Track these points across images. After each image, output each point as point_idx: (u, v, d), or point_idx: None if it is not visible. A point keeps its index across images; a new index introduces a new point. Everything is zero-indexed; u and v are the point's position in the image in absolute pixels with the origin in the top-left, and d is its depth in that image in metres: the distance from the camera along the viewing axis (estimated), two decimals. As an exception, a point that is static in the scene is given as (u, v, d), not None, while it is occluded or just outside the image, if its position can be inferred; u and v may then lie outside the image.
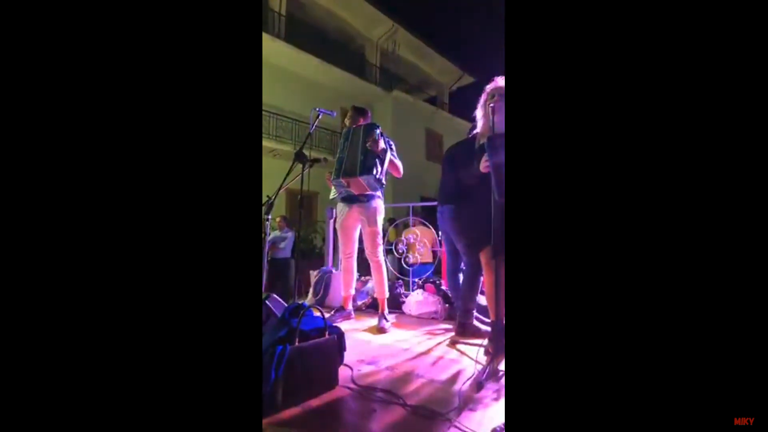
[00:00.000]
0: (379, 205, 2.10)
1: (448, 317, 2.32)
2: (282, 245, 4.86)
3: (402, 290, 2.68)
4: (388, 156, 2.01)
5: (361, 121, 2.17)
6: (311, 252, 7.05)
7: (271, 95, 8.47)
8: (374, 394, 1.23)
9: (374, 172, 1.92)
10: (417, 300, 2.42)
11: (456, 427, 1.04)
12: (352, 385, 1.29)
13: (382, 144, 1.96)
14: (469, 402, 1.20)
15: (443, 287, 2.47)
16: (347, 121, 2.16)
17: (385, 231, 2.44)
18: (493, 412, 1.13)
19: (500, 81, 1.79)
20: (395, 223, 3.59)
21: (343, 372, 1.36)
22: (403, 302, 2.53)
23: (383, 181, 2.01)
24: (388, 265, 2.60)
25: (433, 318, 2.34)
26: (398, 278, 2.84)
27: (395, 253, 2.91)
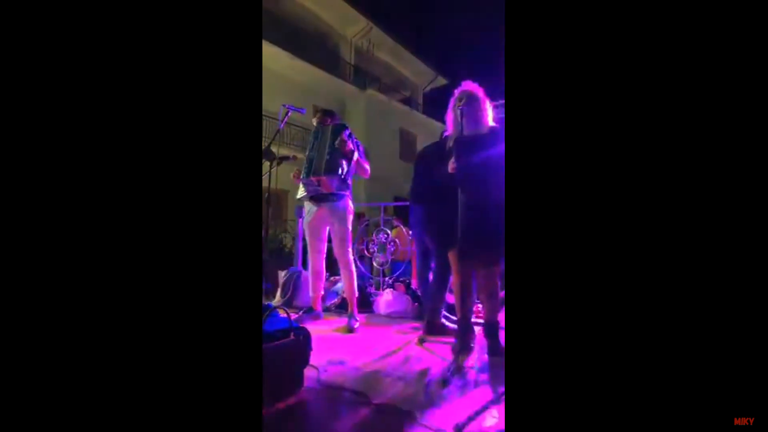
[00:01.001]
0: (348, 204, 2.09)
1: (418, 316, 2.35)
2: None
3: (372, 290, 2.68)
4: (355, 156, 2.02)
5: (329, 122, 2.15)
6: (280, 252, 6.91)
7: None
8: (340, 394, 1.22)
9: (339, 171, 1.92)
10: (386, 300, 2.43)
11: (421, 424, 1.05)
12: (317, 386, 1.27)
13: (350, 145, 1.96)
14: (434, 399, 1.22)
15: (413, 287, 2.50)
16: (314, 121, 2.14)
17: (355, 230, 2.43)
18: (458, 408, 1.15)
19: (468, 85, 1.84)
20: (366, 222, 3.60)
21: (309, 372, 1.34)
22: (374, 302, 2.53)
23: (349, 182, 2.01)
24: (359, 264, 2.59)
25: (401, 317, 2.36)
26: (369, 278, 2.84)
27: (366, 253, 2.91)
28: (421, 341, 1.88)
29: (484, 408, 1.12)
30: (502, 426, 1.06)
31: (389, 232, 2.86)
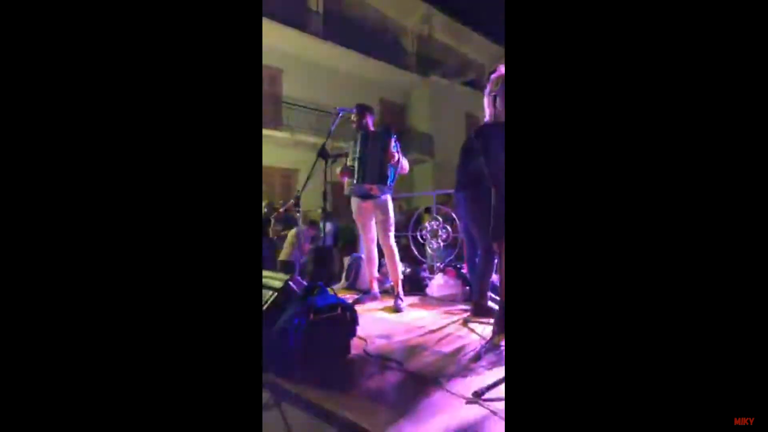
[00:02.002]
0: (388, 197, 2.27)
1: (467, 299, 2.44)
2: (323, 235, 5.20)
3: (426, 274, 2.82)
4: (401, 163, 2.21)
5: (369, 120, 2.33)
6: (354, 241, 7.36)
7: (314, 92, 8.85)
8: (380, 362, 1.42)
9: (388, 181, 2.18)
10: (438, 283, 2.56)
11: (445, 389, 1.20)
12: (362, 354, 1.48)
13: (396, 155, 2.16)
14: (463, 370, 1.34)
15: (463, 271, 2.58)
16: (354, 118, 2.33)
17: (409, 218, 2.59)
18: (482, 379, 1.26)
19: (504, 69, 1.84)
20: (419, 210, 3.71)
21: (357, 343, 1.56)
22: (427, 285, 2.67)
23: (392, 184, 2.23)
24: (414, 250, 2.75)
25: (453, 300, 2.47)
26: (422, 263, 2.98)
27: (420, 239, 3.05)
28: (466, 322, 1.98)
29: (502, 380, 1.21)
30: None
31: (440, 218, 2.96)
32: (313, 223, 4.79)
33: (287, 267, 4.10)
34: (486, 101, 1.87)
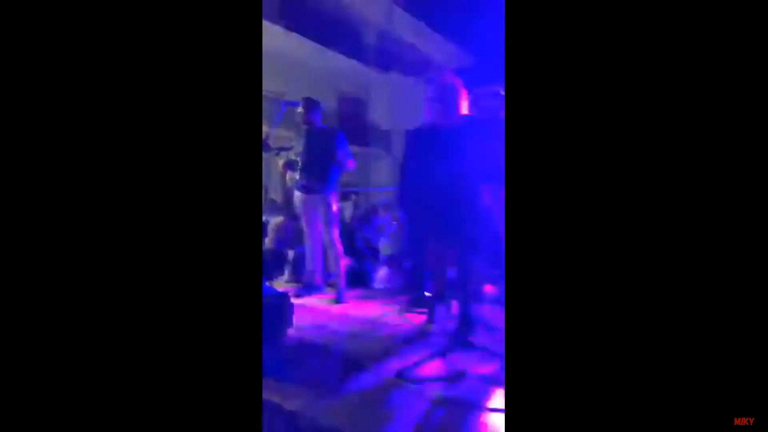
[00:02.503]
0: (333, 192, 2.33)
1: (409, 291, 2.55)
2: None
3: (371, 267, 2.91)
4: (345, 160, 2.29)
5: (316, 114, 2.36)
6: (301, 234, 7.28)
7: (266, 82, 8.56)
8: (310, 349, 1.48)
9: (332, 178, 2.28)
10: (381, 276, 2.66)
11: (370, 371, 1.29)
12: (296, 343, 1.54)
13: (341, 154, 2.26)
14: (389, 355, 1.45)
15: (406, 264, 2.69)
16: (300, 110, 2.34)
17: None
18: (406, 361, 1.36)
19: (443, 74, 1.96)
20: (370, 205, 3.81)
21: (292, 332, 1.60)
22: (370, 278, 2.76)
23: (336, 181, 2.34)
24: (359, 244, 2.82)
25: (394, 292, 2.58)
26: (368, 256, 3.07)
27: (365, 233, 3.13)
28: (401, 312, 2.09)
29: (424, 360, 1.32)
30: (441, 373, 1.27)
31: (386, 213, 3.06)
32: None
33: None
34: (425, 105, 1.97)
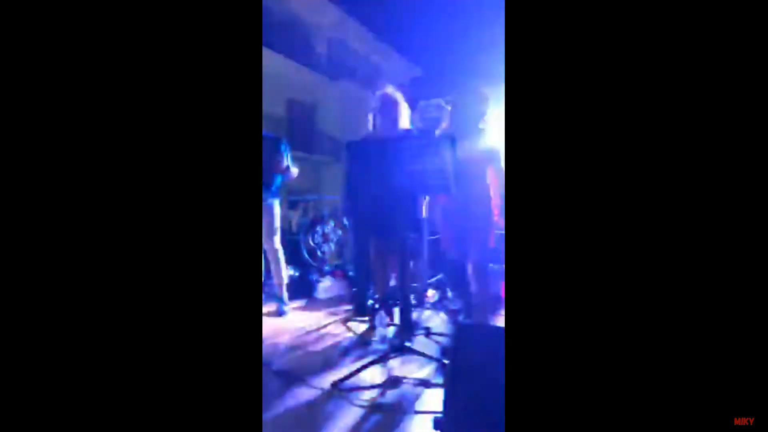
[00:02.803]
0: (275, 202, 2.29)
1: (354, 300, 2.57)
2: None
3: (316, 277, 2.89)
4: (290, 171, 2.27)
5: None
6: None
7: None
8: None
9: (274, 187, 2.25)
10: (325, 286, 2.65)
11: (309, 384, 1.28)
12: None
13: (284, 163, 2.22)
14: (329, 365, 1.45)
15: (351, 273, 2.71)
16: None
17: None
18: (343, 372, 1.37)
19: (386, 89, 2.03)
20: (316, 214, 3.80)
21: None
22: (315, 288, 2.74)
23: (278, 189, 2.31)
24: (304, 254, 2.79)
25: (339, 302, 2.58)
26: (312, 266, 3.05)
27: (311, 242, 3.11)
28: (346, 321, 2.10)
29: (360, 369, 1.35)
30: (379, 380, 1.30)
31: (331, 222, 3.07)
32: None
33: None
34: (370, 116, 2.03)
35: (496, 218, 1.86)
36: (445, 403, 0.91)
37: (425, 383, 1.32)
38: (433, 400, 1.18)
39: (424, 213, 2.29)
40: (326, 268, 2.90)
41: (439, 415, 0.91)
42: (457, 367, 0.95)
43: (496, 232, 1.87)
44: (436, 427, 0.89)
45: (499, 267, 3.05)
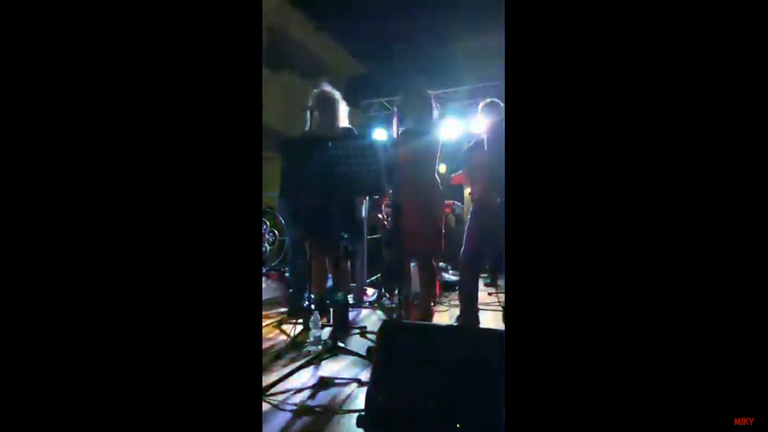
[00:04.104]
0: None
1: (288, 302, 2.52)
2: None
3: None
4: None
5: None
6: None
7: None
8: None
9: None
10: (261, 287, 2.56)
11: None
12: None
13: None
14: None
15: (287, 275, 2.65)
16: None
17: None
18: (273, 377, 1.35)
19: (324, 87, 2.01)
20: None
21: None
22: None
23: None
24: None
25: (274, 303, 2.51)
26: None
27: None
28: (280, 323, 2.05)
29: (291, 373, 1.33)
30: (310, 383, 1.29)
31: (267, 222, 2.97)
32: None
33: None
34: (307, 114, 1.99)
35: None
36: (368, 400, 0.93)
37: (357, 382, 1.34)
38: (363, 398, 1.21)
39: (363, 213, 2.31)
40: (262, 269, 2.81)
41: (362, 412, 0.93)
42: (380, 364, 0.99)
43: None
44: (358, 424, 0.91)
45: (446, 266, 3.19)
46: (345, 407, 1.18)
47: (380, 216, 2.29)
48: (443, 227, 1.92)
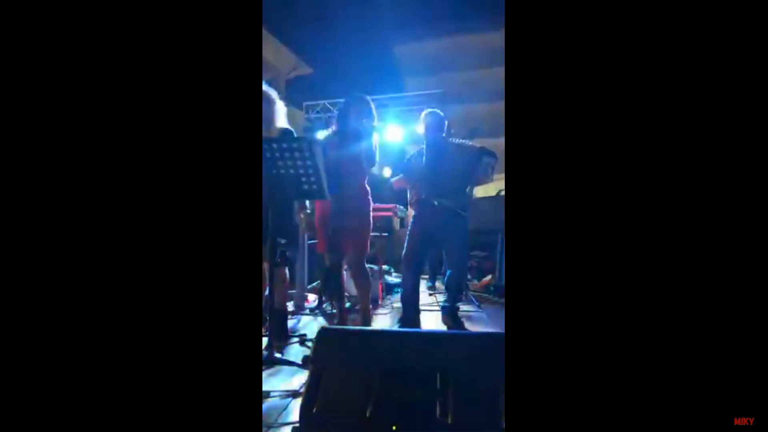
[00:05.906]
0: None
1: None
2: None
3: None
4: None
5: None
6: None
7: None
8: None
9: None
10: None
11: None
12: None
13: None
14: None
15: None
16: None
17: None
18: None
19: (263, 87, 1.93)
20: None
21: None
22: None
23: None
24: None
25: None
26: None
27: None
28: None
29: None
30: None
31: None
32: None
33: None
34: None
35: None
36: (302, 410, 0.90)
37: (294, 393, 1.29)
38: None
39: (302, 217, 2.25)
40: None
41: (296, 425, 0.90)
42: (316, 373, 0.96)
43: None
44: (293, 438, 0.88)
45: (389, 268, 3.20)
46: (281, 420, 1.13)
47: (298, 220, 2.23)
48: (370, 230, 1.94)
